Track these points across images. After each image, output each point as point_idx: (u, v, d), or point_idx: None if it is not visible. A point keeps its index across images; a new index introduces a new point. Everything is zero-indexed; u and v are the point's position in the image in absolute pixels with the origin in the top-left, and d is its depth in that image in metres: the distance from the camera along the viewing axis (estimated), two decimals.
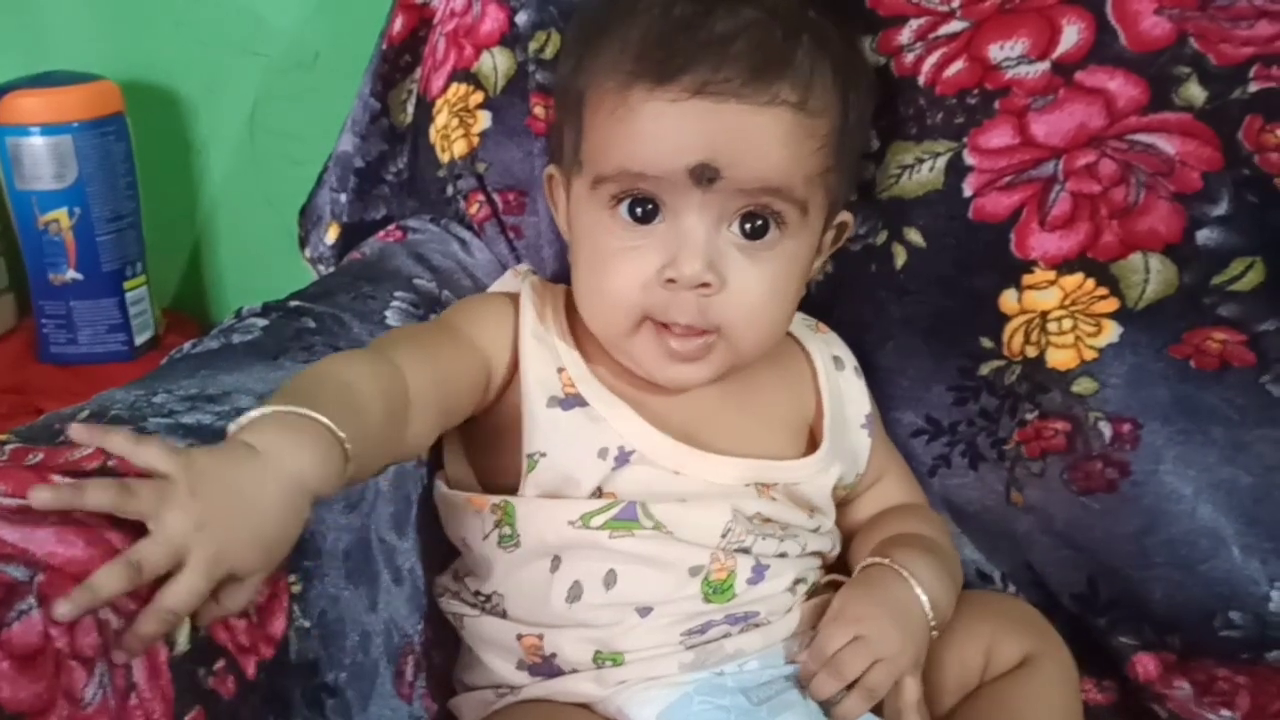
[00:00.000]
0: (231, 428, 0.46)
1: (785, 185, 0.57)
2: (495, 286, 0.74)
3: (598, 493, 0.59)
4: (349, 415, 0.48)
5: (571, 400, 0.61)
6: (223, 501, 0.42)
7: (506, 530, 0.60)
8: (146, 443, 0.43)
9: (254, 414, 0.46)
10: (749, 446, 0.63)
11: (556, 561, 0.59)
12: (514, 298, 0.65)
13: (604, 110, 0.58)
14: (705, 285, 0.57)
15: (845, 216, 0.66)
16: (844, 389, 0.70)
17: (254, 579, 0.45)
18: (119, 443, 0.43)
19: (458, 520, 0.63)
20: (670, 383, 0.61)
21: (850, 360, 0.71)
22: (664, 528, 0.58)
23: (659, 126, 0.56)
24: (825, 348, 0.70)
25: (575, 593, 0.58)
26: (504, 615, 0.61)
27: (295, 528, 0.45)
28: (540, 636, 0.59)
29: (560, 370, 0.62)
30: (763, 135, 0.56)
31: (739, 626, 0.59)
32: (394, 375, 0.54)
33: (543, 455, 0.60)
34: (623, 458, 0.60)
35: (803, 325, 0.71)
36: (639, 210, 0.58)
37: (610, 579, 0.58)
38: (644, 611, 0.58)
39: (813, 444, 0.67)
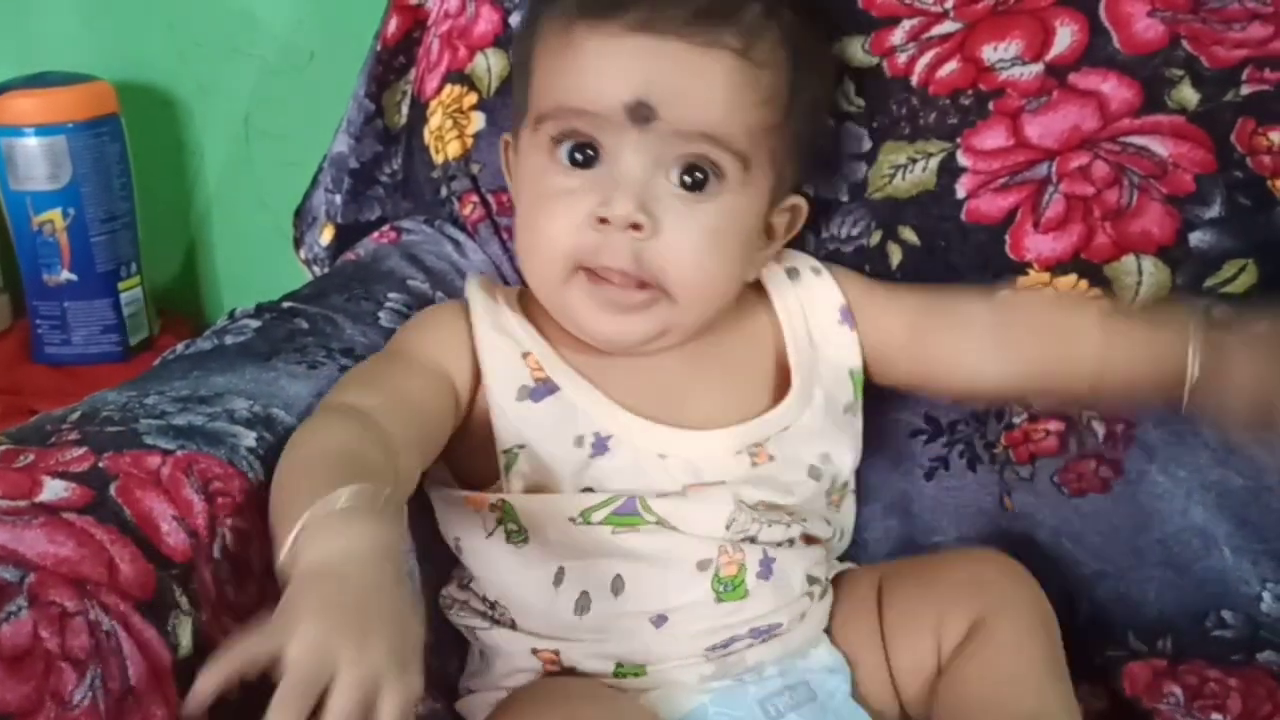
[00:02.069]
0: (317, 513, 0.44)
1: (724, 134, 0.56)
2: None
3: (588, 491, 0.58)
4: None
5: (541, 389, 0.60)
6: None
7: (513, 526, 0.59)
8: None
9: (341, 501, 0.44)
10: (728, 412, 0.61)
11: (560, 574, 0.58)
12: (462, 304, 0.64)
13: (549, 52, 0.58)
14: (637, 227, 0.56)
15: (798, 200, 0.65)
16: (803, 298, 0.66)
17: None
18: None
19: (455, 519, 0.62)
20: (606, 338, 0.59)
21: (807, 263, 0.67)
22: (667, 522, 0.57)
23: (598, 62, 0.56)
24: (777, 268, 0.67)
25: (583, 604, 0.57)
26: (513, 626, 0.59)
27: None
28: (556, 651, 0.58)
29: (525, 355, 0.61)
30: (703, 77, 0.55)
31: (762, 638, 0.59)
32: (386, 437, 0.52)
33: (520, 448, 0.59)
34: (600, 444, 0.58)
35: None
36: (579, 156, 0.57)
37: (617, 584, 0.57)
38: (658, 621, 0.57)
39: (788, 383, 0.63)
